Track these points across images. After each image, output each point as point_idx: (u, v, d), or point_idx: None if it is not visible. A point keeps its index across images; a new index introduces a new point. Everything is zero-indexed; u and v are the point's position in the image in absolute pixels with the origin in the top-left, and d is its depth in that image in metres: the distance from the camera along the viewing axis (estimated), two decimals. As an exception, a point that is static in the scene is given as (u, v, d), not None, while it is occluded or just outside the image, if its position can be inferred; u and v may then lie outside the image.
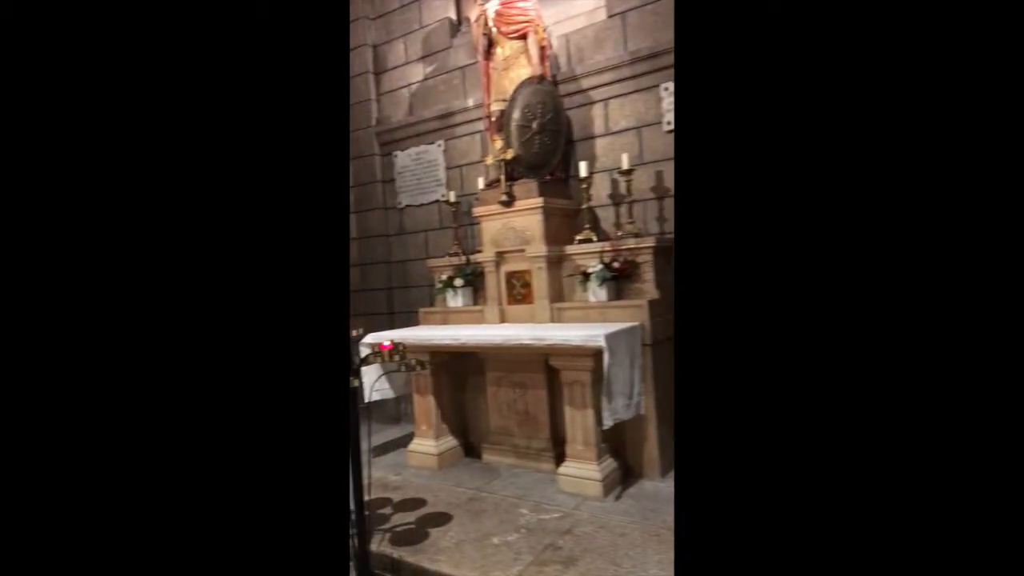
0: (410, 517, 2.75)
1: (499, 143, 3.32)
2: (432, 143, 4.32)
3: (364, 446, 2.55)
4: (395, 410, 4.61)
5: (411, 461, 3.53)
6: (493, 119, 3.53)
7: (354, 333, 2.34)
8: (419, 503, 2.92)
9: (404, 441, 4.02)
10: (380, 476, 3.36)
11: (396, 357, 2.17)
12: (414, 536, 2.54)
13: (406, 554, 2.39)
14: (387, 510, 2.86)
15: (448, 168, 4.28)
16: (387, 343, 2.18)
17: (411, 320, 4.51)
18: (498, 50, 3.52)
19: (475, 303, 3.72)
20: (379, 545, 2.47)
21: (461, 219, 4.09)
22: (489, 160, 3.47)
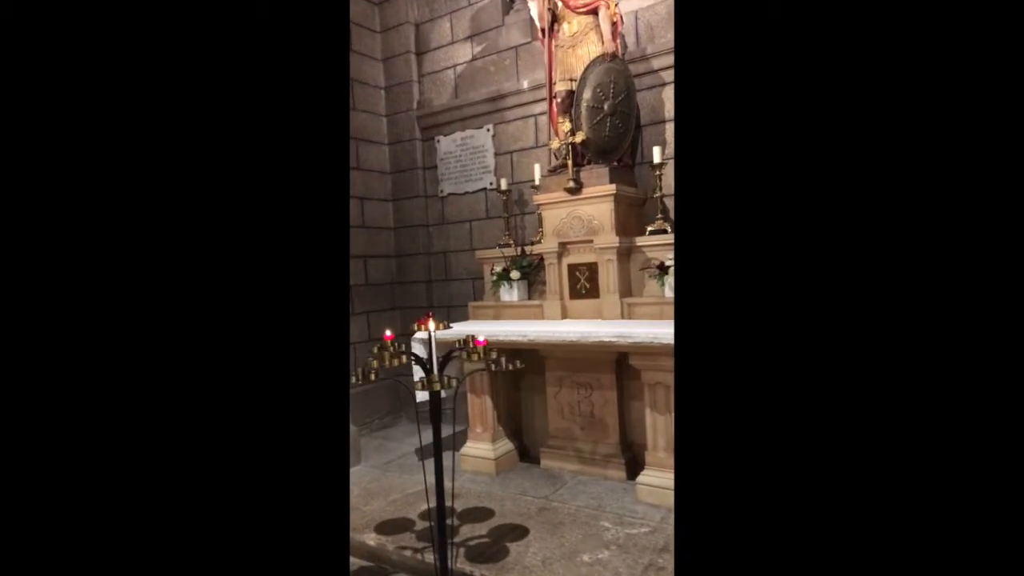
0: (480, 529, 2.52)
1: (566, 125, 3.08)
2: (480, 128, 4.08)
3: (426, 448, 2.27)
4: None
5: (464, 465, 3.30)
6: (559, 100, 3.29)
7: (428, 328, 2.10)
8: (485, 513, 2.69)
9: (450, 443, 3.79)
10: (432, 481, 3.12)
11: (492, 354, 1.93)
12: (492, 551, 2.31)
13: (488, 573, 2.15)
14: (452, 520, 2.63)
15: (497, 154, 4.04)
16: (480, 339, 1.94)
17: (452, 315, 4.27)
18: (564, 26, 3.28)
19: (529, 297, 3.48)
20: (454, 561, 2.24)
21: (512, 208, 3.85)
22: (555, 144, 3.23)
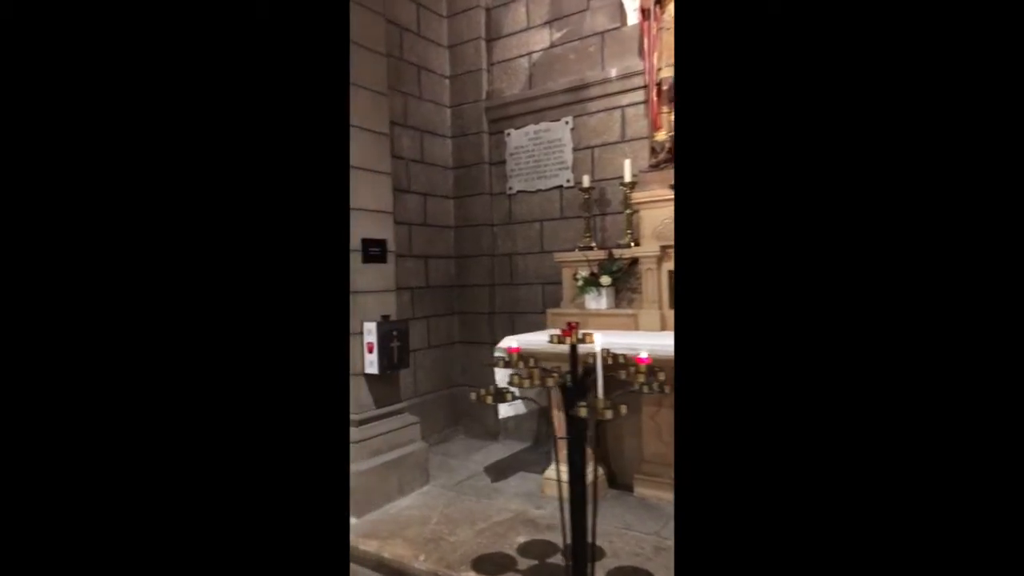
0: (598, 572, 2.19)
1: (673, 115, 2.78)
2: (557, 120, 3.77)
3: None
4: (493, 423, 4.06)
5: (549, 490, 2.97)
6: (664, 87, 2.98)
7: (575, 339, 1.78)
8: (596, 551, 2.37)
9: (521, 463, 3.47)
10: (518, 508, 2.81)
11: (660, 375, 1.62)
12: (621, 603, 1.98)
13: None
14: (557, 559, 2.30)
15: (576, 149, 3.73)
16: (643, 356, 1.63)
17: (516, 322, 3.96)
18: (670, 7, 2.98)
19: (616, 305, 3.17)
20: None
21: (592, 208, 3.55)
22: (660, 135, 2.92)
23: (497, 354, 2.98)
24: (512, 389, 1.73)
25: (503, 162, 4.02)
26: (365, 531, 2.63)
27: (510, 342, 2.96)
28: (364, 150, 2.97)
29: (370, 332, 2.92)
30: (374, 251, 3.04)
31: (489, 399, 1.69)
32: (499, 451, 3.81)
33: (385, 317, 3.03)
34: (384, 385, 3.05)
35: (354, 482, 2.79)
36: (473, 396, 1.73)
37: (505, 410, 2.97)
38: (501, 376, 3.00)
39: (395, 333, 3.00)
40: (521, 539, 2.48)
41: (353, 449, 2.84)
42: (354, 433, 2.87)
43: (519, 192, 3.98)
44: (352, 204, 2.89)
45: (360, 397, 2.94)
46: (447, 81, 4.15)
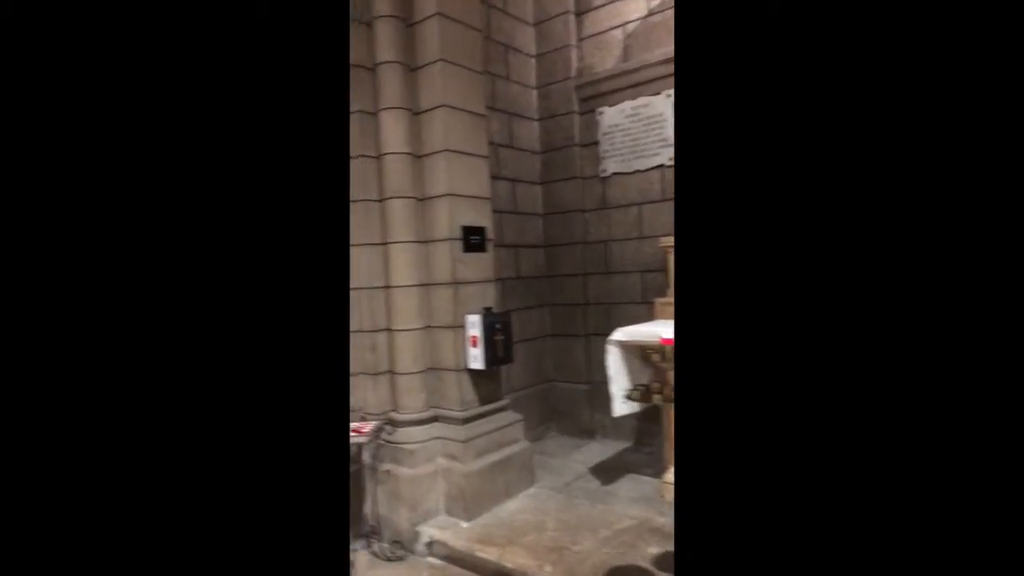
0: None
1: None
2: (656, 94, 3.49)
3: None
4: (588, 420, 3.84)
5: (670, 495, 2.73)
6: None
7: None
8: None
9: (627, 464, 3.23)
10: (641, 515, 2.58)
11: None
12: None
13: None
14: None
15: (679, 124, 3.44)
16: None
17: (612, 314, 3.72)
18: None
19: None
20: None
21: (700, 187, 3.25)
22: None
23: (609, 345, 2.76)
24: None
25: (595, 143, 3.78)
26: (478, 536, 2.47)
27: (630, 334, 2.73)
28: (461, 133, 2.81)
29: (474, 325, 2.76)
30: (474, 240, 2.87)
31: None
32: (599, 450, 3.59)
33: (487, 309, 2.87)
34: (487, 381, 2.89)
35: (462, 483, 2.65)
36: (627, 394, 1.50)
37: (621, 408, 2.74)
38: (614, 369, 2.78)
39: (498, 326, 2.82)
40: (653, 550, 2.25)
41: (459, 449, 2.70)
42: (460, 432, 2.73)
43: (614, 174, 3.72)
44: (449, 190, 2.74)
45: (463, 394, 2.78)
46: (533, 60, 3.94)
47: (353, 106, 2.76)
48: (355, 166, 2.78)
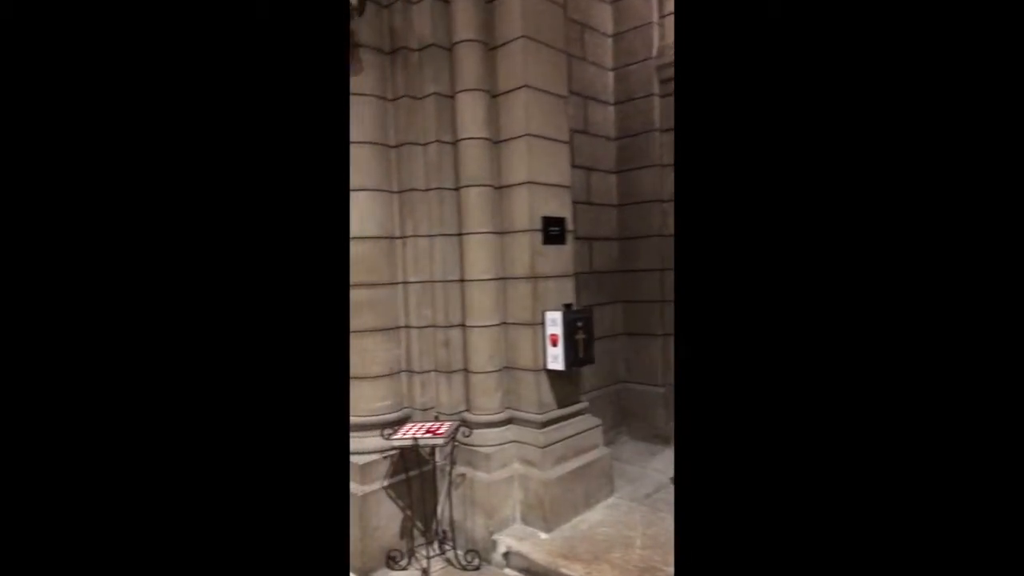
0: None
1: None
2: (749, 73, 3.20)
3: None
4: (664, 424, 3.60)
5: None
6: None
7: None
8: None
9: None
10: None
11: None
12: None
13: None
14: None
15: (775, 105, 3.14)
16: None
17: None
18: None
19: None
20: None
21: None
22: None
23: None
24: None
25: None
26: (560, 550, 2.30)
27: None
28: (543, 116, 2.62)
29: (554, 323, 2.58)
30: (554, 231, 2.69)
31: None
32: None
33: (567, 306, 2.68)
34: (566, 383, 2.71)
35: (541, 491, 2.48)
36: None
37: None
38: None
39: (580, 323, 2.63)
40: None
41: (537, 454, 2.53)
42: (538, 436, 2.56)
43: (697, 161, 3.45)
44: (529, 177, 2.56)
45: (541, 396, 2.61)
46: (610, 40, 3.70)
47: (428, 88, 2.62)
48: (430, 152, 2.64)
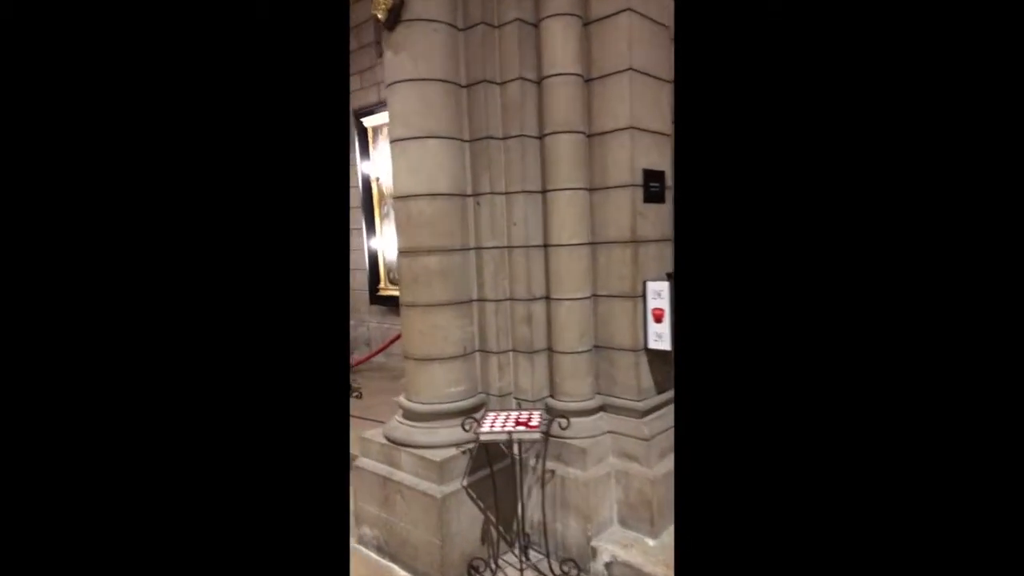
0: None
1: None
2: None
3: None
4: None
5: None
6: None
7: None
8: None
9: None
10: None
11: None
12: None
13: None
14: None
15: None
16: None
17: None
18: None
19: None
20: None
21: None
22: None
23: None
24: None
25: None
26: (673, 561, 1.96)
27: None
28: (647, 47, 2.18)
29: (658, 295, 2.19)
30: (654, 187, 2.28)
31: None
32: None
33: (669, 275, 2.29)
34: (666, 365, 2.34)
35: (647, 491, 2.13)
36: None
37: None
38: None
39: (686, 296, 2.25)
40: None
41: (640, 447, 2.18)
42: (640, 427, 2.20)
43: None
44: (631, 122, 2.13)
45: (641, 380, 2.24)
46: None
47: (509, 14, 2.18)
48: (510, 92, 2.21)
